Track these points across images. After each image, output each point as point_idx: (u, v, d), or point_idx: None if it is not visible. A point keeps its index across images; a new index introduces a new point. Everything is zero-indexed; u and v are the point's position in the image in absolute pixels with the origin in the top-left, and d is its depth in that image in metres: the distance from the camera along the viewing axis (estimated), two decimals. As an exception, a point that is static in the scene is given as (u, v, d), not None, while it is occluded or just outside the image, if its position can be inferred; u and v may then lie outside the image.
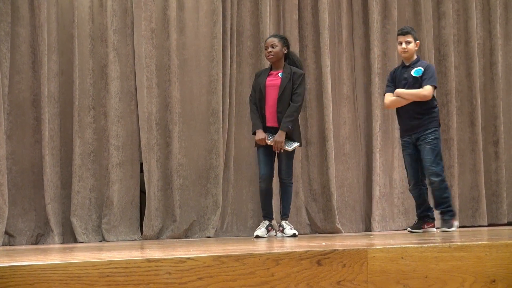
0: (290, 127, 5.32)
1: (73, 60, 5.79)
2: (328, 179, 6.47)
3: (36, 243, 5.57)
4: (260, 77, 5.56)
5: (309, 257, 2.30)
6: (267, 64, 5.90)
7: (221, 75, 6.19)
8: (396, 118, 5.55)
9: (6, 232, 5.44)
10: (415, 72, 5.23)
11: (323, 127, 6.55)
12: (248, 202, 6.33)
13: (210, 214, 6.10)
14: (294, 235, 5.33)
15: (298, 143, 5.41)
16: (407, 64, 5.31)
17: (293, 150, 5.42)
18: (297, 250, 2.32)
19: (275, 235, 5.52)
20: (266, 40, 5.64)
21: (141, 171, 6.06)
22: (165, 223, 6.03)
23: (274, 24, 6.58)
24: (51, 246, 5.10)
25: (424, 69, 5.21)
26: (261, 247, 3.31)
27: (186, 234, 6.04)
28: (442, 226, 5.13)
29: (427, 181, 5.26)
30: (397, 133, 6.69)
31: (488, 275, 2.47)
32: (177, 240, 5.68)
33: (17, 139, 5.66)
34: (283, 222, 5.46)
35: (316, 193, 6.55)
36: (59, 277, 2.01)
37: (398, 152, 6.75)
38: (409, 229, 5.43)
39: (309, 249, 2.33)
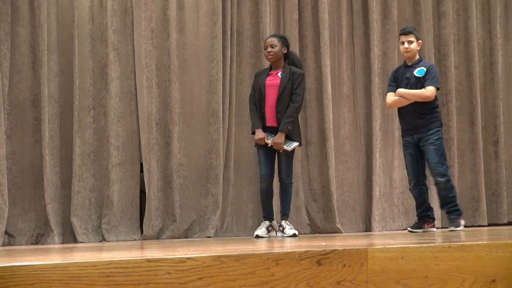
0: (289, 128, 5.32)
1: (73, 60, 5.79)
2: (328, 179, 6.47)
3: (36, 243, 5.57)
4: (259, 77, 5.56)
5: (309, 257, 2.30)
6: (267, 64, 5.90)
7: (221, 75, 6.18)
8: (396, 118, 5.54)
9: (6, 232, 5.44)
10: (417, 72, 5.22)
11: (323, 127, 6.55)
12: (248, 202, 6.33)
13: (210, 214, 6.10)
14: (294, 235, 5.33)
15: (298, 143, 5.41)
16: (409, 64, 5.30)
17: (293, 150, 5.42)
18: (297, 250, 2.32)
19: (275, 235, 5.52)
20: (265, 40, 5.64)
21: (141, 171, 6.06)
22: (165, 223, 6.03)
23: (274, 24, 6.57)
24: (51, 246, 5.10)
25: (427, 70, 5.20)
26: (261, 247, 3.31)
27: (186, 234, 6.04)
28: (450, 226, 5.14)
29: (432, 182, 5.26)
30: (397, 133, 6.70)
31: (488, 275, 2.47)
32: (177, 240, 5.68)
33: (17, 139, 5.66)
34: (283, 222, 5.46)
35: (316, 193, 6.55)
36: (59, 277, 2.01)
37: (398, 152, 6.75)
38: (409, 229, 5.43)
39: (309, 249, 2.33)
